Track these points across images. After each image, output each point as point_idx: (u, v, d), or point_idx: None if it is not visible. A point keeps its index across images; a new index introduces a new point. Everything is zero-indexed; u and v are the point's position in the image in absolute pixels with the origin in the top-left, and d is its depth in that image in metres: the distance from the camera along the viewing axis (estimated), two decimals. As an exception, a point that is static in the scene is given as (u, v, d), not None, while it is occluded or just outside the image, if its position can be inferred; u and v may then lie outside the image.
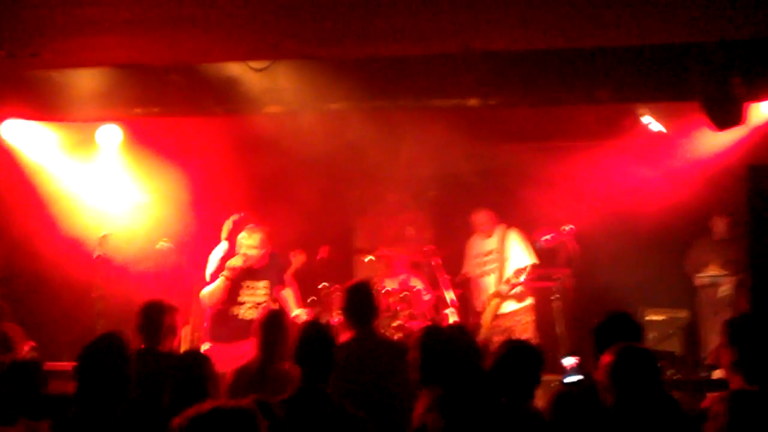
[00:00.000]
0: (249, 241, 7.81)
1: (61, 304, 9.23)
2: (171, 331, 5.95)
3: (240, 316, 7.73)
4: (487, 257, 9.35)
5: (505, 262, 9.19)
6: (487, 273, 9.33)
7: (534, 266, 9.03)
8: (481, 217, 9.39)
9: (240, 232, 7.93)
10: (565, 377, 5.26)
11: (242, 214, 7.98)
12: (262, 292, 7.86)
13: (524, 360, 4.66)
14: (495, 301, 9.12)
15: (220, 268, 7.80)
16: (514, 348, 4.79)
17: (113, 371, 4.16)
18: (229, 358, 6.27)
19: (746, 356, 4.31)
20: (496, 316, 9.15)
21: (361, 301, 5.76)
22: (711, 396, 4.42)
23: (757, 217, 7.11)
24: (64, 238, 9.44)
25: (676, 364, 9.02)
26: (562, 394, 4.62)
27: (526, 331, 8.91)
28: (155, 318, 5.90)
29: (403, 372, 4.97)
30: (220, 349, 7.38)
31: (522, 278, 8.92)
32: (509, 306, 9.16)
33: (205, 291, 7.83)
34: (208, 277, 7.90)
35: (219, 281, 7.71)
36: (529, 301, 9.20)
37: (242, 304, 7.79)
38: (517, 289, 9.04)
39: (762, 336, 4.37)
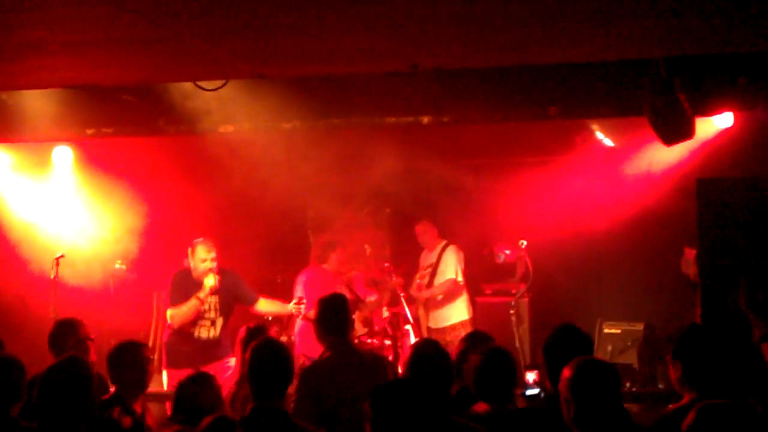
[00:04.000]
0: (211, 254, 7.73)
1: (17, 326, 9.11)
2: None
3: (196, 336, 7.68)
4: (426, 270, 9.52)
5: (436, 276, 9.48)
6: (423, 286, 9.50)
7: (454, 282, 9.35)
8: (419, 228, 9.70)
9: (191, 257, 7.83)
10: (525, 391, 5.27)
11: (201, 240, 7.85)
12: (214, 308, 7.77)
13: (503, 364, 4.73)
14: (421, 311, 9.41)
15: (185, 291, 7.71)
16: (494, 352, 4.86)
17: (75, 396, 4.11)
18: None
19: (691, 369, 4.35)
20: (430, 330, 9.32)
21: (338, 313, 5.70)
22: (666, 409, 4.44)
23: (707, 230, 7.19)
24: (20, 260, 9.36)
25: (634, 376, 9.10)
26: (521, 410, 4.67)
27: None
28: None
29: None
30: (178, 376, 7.31)
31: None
32: (440, 321, 9.44)
33: (175, 312, 7.69)
34: (171, 298, 7.80)
35: (192, 302, 7.61)
36: (462, 317, 9.36)
37: (201, 325, 7.72)
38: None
39: (702, 347, 4.40)
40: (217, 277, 7.64)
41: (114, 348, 5.45)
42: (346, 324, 5.70)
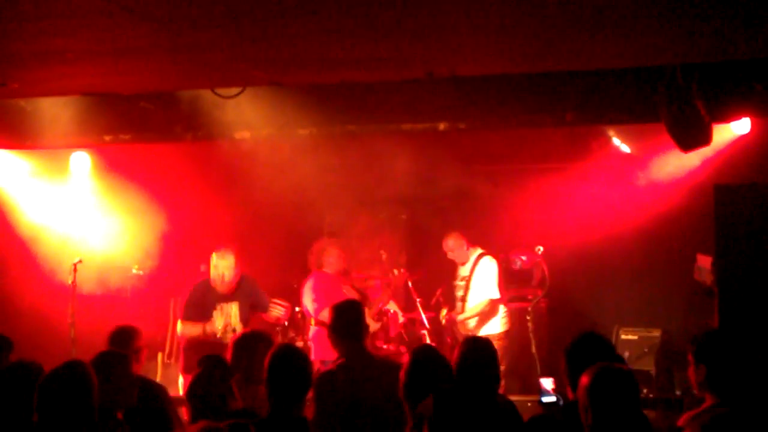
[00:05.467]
0: (224, 262, 7.80)
1: (36, 331, 9.16)
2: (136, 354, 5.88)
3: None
4: (460, 282, 9.35)
5: (468, 291, 9.23)
6: (459, 299, 9.35)
7: (490, 302, 9.03)
8: (449, 243, 9.30)
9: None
10: (541, 397, 5.27)
11: (222, 249, 7.90)
12: (235, 314, 7.85)
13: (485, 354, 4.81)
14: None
15: (200, 304, 7.80)
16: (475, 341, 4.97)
17: (76, 400, 4.11)
18: None
19: (715, 374, 4.32)
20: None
21: (352, 318, 5.69)
22: (686, 415, 4.42)
23: (724, 237, 7.16)
24: (37, 266, 9.41)
25: (651, 383, 9.08)
26: (538, 416, 4.67)
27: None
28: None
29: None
30: None
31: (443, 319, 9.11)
32: (494, 327, 9.08)
33: (183, 329, 7.85)
34: (184, 311, 7.90)
35: (199, 329, 7.73)
36: (501, 328, 9.14)
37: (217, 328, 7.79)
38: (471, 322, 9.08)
39: (728, 352, 4.37)
40: (224, 323, 7.74)
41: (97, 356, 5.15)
42: (361, 329, 5.69)
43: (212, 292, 7.82)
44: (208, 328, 7.72)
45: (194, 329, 7.76)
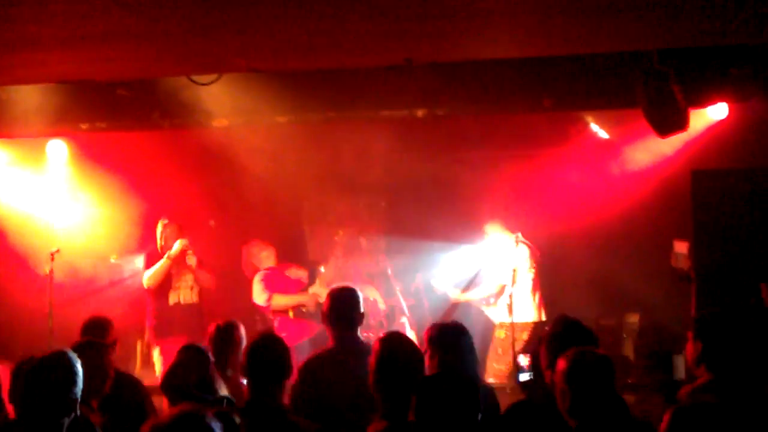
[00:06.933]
0: (168, 229, 8.51)
1: (13, 320, 9.12)
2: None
3: (174, 302, 8.39)
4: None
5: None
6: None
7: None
8: (487, 229, 9.19)
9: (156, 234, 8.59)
10: (518, 374, 5.28)
11: (166, 221, 8.56)
12: (190, 278, 8.48)
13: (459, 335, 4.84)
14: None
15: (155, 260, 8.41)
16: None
17: (60, 391, 4.07)
18: None
19: (711, 350, 4.45)
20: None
21: (348, 307, 5.65)
22: (683, 390, 4.49)
23: (701, 222, 7.21)
24: (14, 255, 9.36)
25: (629, 368, 9.12)
26: (517, 403, 4.68)
27: (512, 347, 8.53)
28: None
29: None
30: (169, 346, 7.62)
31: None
32: (517, 316, 8.77)
33: (148, 273, 8.42)
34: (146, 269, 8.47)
35: (162, 261, 8.32)
36: (533, 317, 8.89)
37: (178, 288, 8.40)
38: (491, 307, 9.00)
39: (725, 330, 4.50)
40: (185, 240, 8.35)
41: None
42: (352, 317, 5.65)
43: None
44: (171, 252, 8.36)
45: (159, 264, 8.35)
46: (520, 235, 8.91)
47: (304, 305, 8.55)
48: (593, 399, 3.85)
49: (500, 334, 8.72)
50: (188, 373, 4.80)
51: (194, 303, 8.45)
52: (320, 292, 8.39)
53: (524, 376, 5.23)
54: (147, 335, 8.65)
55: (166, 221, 8.58)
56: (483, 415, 3.88)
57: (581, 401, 3.85)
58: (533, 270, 8.95)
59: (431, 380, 3.98)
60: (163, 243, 8.50)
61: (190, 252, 8.34)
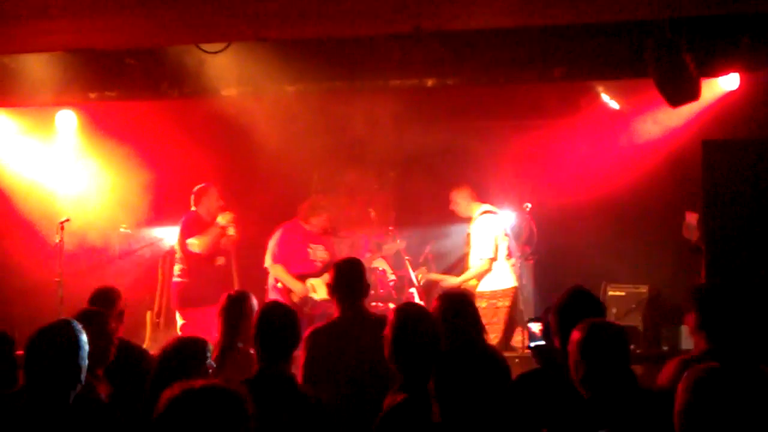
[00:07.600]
0: (224, 220, 8.52)
1: (23, 291, 9.16)
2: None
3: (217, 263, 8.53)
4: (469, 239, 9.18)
5: (469, 250, 9.05)
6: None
7: (487, 261, 8.80)
8: (452, 195, 9.08)
9: (203, 200, 8.59)
10: (530, 341, 5.28)
11: (203, 185, 8.61)
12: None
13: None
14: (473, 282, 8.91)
15: (193, 231, 8.40)
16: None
17: (64, 360, 4.08)
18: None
19: (709, 320, 4.50)
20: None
21: (354, 277, 5.65)
22: (669, 365, 4.48)
23: (712, 193, 7.16)
24: (25, 225, 9.38)
25: (638, 338, 9.12)
26: (527, 373, 4.68)
27: (495, 315, 8.60)
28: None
29: None
30: (195, 314, 8.05)
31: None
32: (488, 284, 8.82)
33: (199, 241, 8.39)
34: (183, 240, 8.46)
35: (213, 230, 8.44)
36: (512, 283, 8.88)
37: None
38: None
39: (724, 301, 4.55)
40: (232, 214, 8.50)
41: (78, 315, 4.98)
42: (358, 288, 5.65)
43: (204, 224, 8.60)
44: (223, 220, 8.56)
45: (210, 232, 8.48)
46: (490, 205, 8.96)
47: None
48: (607, 371, 3.86)
49: (481, 303, 8.61)
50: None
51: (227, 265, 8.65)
52: (317, 285, 8.48)
53: (536, 342, 5.23)
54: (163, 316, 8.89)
55: (204, 186, 8.66)
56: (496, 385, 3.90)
57: (595, 373, 3.86)
58: (507, 237, 8.97)
59: (453, 353, 3.97)
60: (206, 209, 8.57)
61: (233, 224, 8.51)
